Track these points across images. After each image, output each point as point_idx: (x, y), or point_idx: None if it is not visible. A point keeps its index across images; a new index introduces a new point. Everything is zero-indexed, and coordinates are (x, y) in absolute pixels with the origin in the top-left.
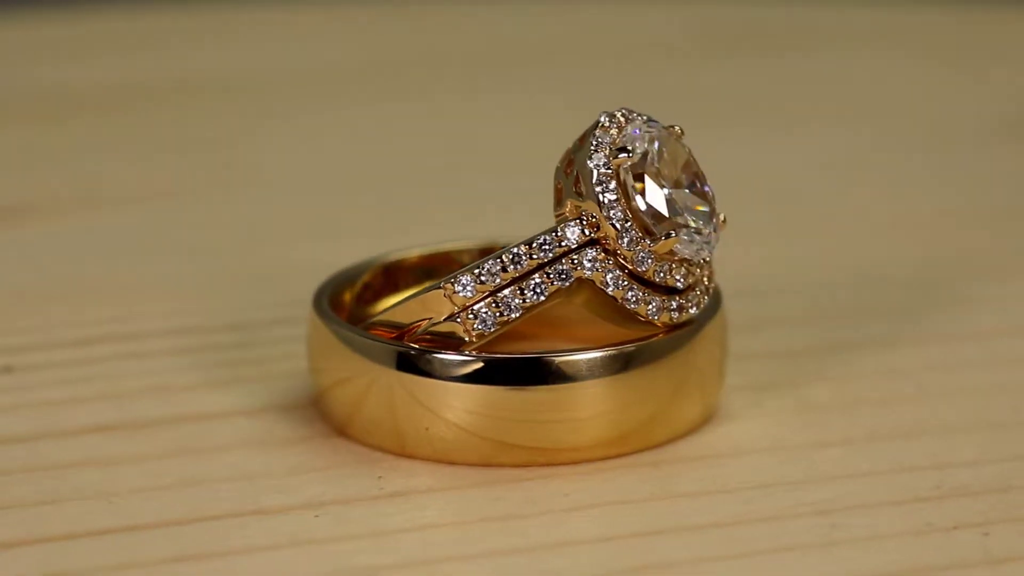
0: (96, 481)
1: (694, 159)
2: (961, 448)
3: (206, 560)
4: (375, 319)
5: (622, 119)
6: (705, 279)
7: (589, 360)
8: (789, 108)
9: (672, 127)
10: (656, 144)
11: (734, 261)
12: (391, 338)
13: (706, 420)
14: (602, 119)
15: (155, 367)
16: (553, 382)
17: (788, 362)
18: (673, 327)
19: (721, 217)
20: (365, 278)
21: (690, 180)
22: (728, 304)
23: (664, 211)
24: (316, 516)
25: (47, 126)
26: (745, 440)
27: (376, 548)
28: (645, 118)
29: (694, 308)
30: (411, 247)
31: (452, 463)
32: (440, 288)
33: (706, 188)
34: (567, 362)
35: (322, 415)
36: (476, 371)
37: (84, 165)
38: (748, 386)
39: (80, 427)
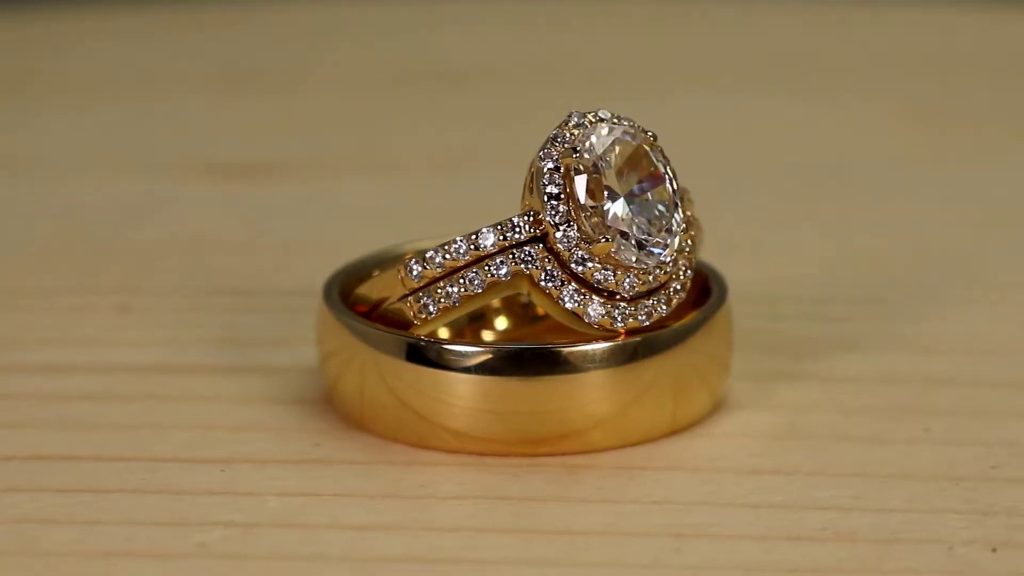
0: (80, 413)
1: (666, 167)
2: (892, 495)
3: (83, 494)
4: (355, 293)
5: (592, 119)
6: (672, 289)
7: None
8: None
9: (646, 133)
10: (616, 148)
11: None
12: (362, 313)
13: (678, 427)
14: (569, 118)
15: (236, 321)
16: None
17: (814, 385)
18: (630, 332)
19: (677, 227)
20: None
21: (653, 188)
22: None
23: (602, 214)
24: (222, 471)
25: (366, 96)
26: (688, 456)
27: (235, 506)
28: (617, 121)
29: (644, 317)
30: (421, 238)
31: (395, 440)
32: (396, 269)
33: (672, 199)
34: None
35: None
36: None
37: (368, 134)
38: (751, 405)
39: (115, 365)
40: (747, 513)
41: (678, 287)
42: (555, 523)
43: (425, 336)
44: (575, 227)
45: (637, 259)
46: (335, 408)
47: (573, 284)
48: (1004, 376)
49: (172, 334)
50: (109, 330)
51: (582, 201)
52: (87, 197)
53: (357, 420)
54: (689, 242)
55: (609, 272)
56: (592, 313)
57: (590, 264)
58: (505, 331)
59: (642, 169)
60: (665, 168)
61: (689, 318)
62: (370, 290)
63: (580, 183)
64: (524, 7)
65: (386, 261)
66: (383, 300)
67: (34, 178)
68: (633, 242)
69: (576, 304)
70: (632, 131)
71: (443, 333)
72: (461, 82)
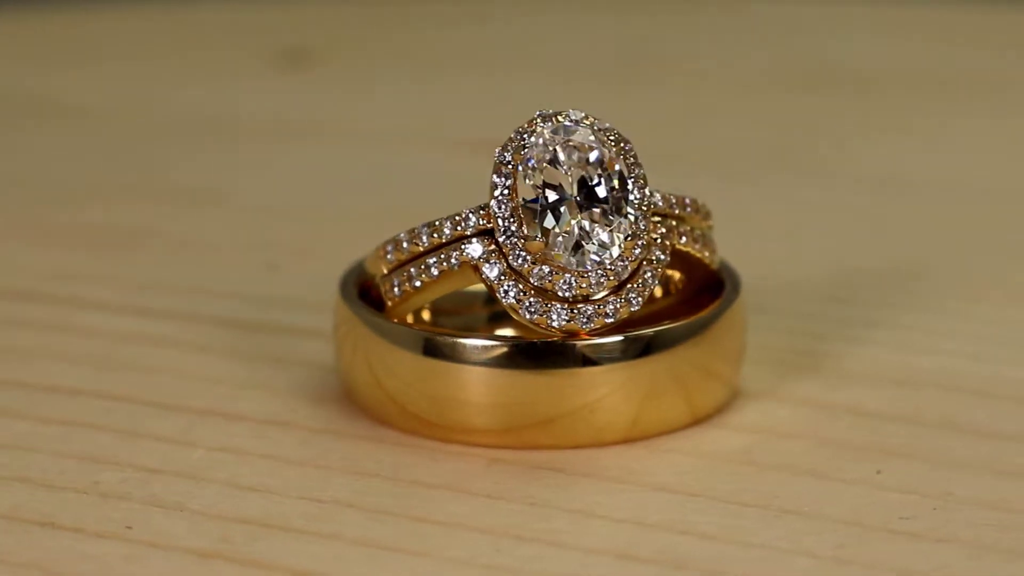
0: (123, 354)
1: (631, 173)
2: (769, 531)
3: (50, 425)
4: (364, 265)
5: (558, 119)
6: (625, 297)
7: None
8: None
9: (615, 137)
10: (573, 149)
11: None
12: (368, 286)
13: (636, 433)
14: (535, 116)
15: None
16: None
17: (804, 411)
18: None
19: (622, 233)
20: None
21: (607, 192)
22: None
23: (534, 214)
24: (189, 422)
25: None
26: (619, 465)
27: (161, 452)
28: (586, 123)
29: (585, 321)
30: None
31: (369, 416)
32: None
33: (628, 210)
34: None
35: None
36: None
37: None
38: (728, 423)
39: (199, 315)
40: (606, 526)
41: (634, 296)
42: (416, 509)
43: (398, 320)
44: (515, 223)
45: (570, 261)
46: (339, 378)
47: (513, 280)
48: (1001, 426)
49: (280, 293)
50: (233, 284)
51: (524, 198)
52: (337, 164)
53: (348, 393)
54: (659, 251)
55: (546, 271)
56: (528, 310)
57: (528, 262)
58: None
59: (596, 172)
60: (629, 173)
61: (672, 324)
62: (368, 265)
63: (523, 180)
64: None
65: None
66: (374, 276)
67: (311, 143)
68: (568, 243)
69: (514, 300)
70: (599, 134)
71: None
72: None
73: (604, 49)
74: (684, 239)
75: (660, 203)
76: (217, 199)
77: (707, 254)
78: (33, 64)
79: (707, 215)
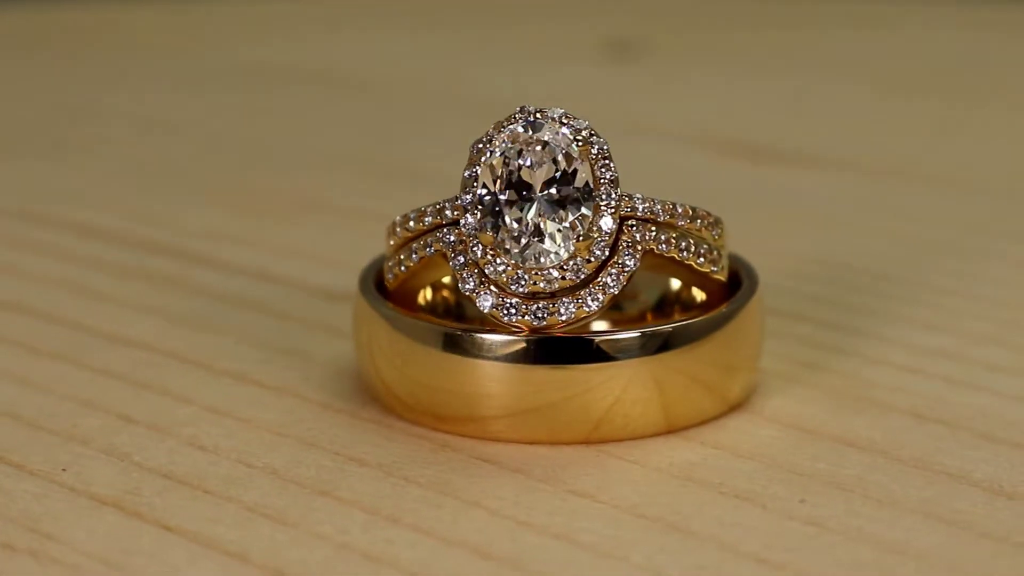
0: (203, 313)
1: (604, 177)
2: (641, 547)
3: (83, 369)
4: None
5: (538, 116)
6: (582, 299)
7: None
8: None
9: (592, 138)
10: (539, 147)
11: None
12: None
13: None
14: (515, 111)
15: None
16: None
17: (777, 430)
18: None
19: (572, 235)
20: None
21: (576, 195)
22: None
23: (491, 208)
24: (201, 381)
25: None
26: (549, 464)
27: (154, 404)
28: (564, 122)
29: (542, 317)
30: None
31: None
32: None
33: (584, 210)
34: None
35: None
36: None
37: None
38: (699, 435)
39: (275, 276)
40: (484, 521)
41: (592, 298)
42: (328, 484)
43: (393, 308)
44: (475, 216)
45: (522, 257)
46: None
47: (474, 271)
48: (974, 470)
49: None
50: (360, 256)
51: (486, 191)
52: None
53: (358, 373)
54: (627, 255)
55: (500, 265)
56: (483, 302)
57: (484, 254)
58: None
59: (561, 170)
60: (597, 174)
61: (691, 319)
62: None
63: (486, 174)
64: None
65: None
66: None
67: None
68: (521, 239)
69: (471, 291)
70: (574, 133)
71: None
72: None
73: (913, 63)
74: (665, 246)
75: (640, 207)
76: (423, 179)
77: (700, 261)
78: (345, 37)
79: (712, 224)
